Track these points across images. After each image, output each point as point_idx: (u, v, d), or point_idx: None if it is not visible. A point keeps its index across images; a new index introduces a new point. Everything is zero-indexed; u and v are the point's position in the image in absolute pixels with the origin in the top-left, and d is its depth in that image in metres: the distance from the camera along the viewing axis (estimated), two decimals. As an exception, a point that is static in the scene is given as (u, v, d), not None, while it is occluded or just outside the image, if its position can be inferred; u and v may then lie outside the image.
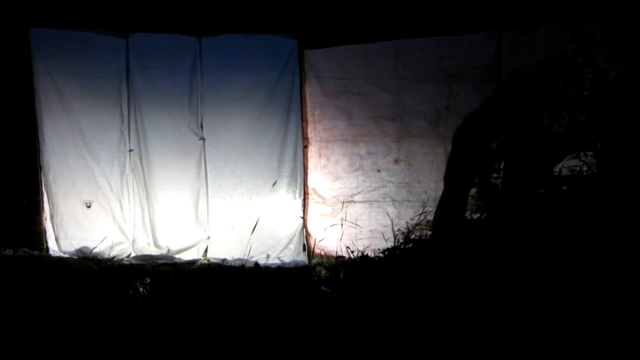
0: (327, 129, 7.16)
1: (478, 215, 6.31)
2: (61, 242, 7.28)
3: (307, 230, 7.25)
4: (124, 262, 7.10)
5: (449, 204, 6.84)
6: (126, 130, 7.18)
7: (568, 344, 3.75)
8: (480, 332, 3.97)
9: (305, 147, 7.18)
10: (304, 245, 7.23)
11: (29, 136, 7.11)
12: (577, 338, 3.75)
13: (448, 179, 6.91)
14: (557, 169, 5.92)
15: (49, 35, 7.01)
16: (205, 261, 7.24)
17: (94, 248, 7.11)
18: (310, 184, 7.22)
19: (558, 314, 3.98)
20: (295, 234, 7.25)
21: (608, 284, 4.10)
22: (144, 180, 7.22)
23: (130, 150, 7.19)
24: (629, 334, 3.69)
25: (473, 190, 6.50)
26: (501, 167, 6.54)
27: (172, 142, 7.18)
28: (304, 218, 7.22)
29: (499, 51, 6.70)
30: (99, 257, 7.00)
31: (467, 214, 6.50)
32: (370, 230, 7.05)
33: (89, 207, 7.18)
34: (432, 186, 6.98)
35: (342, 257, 6.56)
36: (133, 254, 7.32)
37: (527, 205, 5.75)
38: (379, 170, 7.08)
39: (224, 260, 7.18)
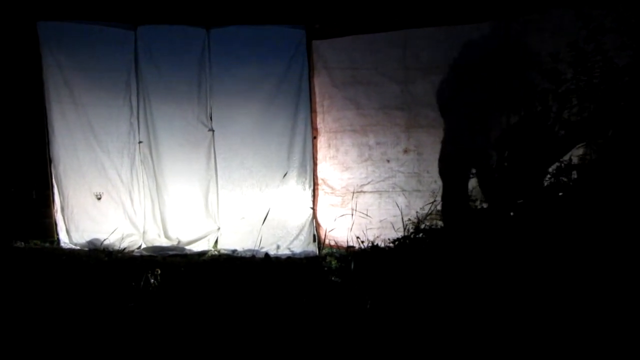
0: (336, 119, 7.16)
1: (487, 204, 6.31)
2: (72, 234, 7.33)
3: (317, 221, 7.26)
4: (134, 253, 7.14)
5: (454, 194, 6.82)
6: (135, 122, 7.21)
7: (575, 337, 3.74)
8: (488, 322, 3.97)
9: (315, 137, 7.18)
10: (314, 235, 7.25)
11: (38, 129, 7.15)
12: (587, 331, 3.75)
13: (450, 168, 6.90)
14: (566, 157, 5.91)
15: (57, 29, 7.04)
16: (216, 252, 7.27)
17: (105, 240, 7.15)
18: (319, 174, 7.23)
19: (565, 308, 3.97)
20: (305, 224, 7.26)
21: (617, 276, 4.09)
22: (154, 172, 7.24)
23: (139, 142, 7.21)
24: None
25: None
26: (508, 156, 6.52)
27: (181, 133, 7.20)
28: (313, 209, 7.23)
29: (507, 40, 6.67)
30: (110, 248, 7.03)
31: (478, 203, 6.49)
32: (380, 221, 7.05)
33: (99, 199, 7.21)
34: (441, 176, 6.98)
35: (353, 247, 6.57)
36: (143, 246, 7.36)
37: (536, 194, 5.75)
38: (388, 161, 7.08)
39: (234, 251, 7.20)
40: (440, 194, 6.90)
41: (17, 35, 7.04)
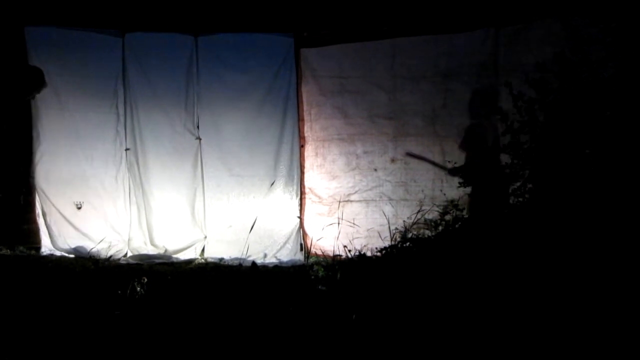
0: (324, 128, 7.17)
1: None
2: (56, 241, 7.25)
3: (304, 230, 7.26)
4: (121, 261, 7.09)
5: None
6: (122, 130, 7.17)
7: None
8: (475, 333, 3.97)
9: (302, 146, 7.19)
10: (301, 244, 7.25)
11: (25, 134, 7.09)
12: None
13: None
14: (553, 166, 5.93)
15: (45, 34, 7.00)
16: (203, 260, 7.24)
17: (92, 248, 7.11)
18: (307, 183, 7.23)
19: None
20: (292, 233, 7.26)
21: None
22: (140, 180, 7.21)
23: (126, 149, 7.18)
24: None
25: (469, 189, 6.51)
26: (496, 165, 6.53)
27: (168, 141, 7.19)
28: (300, 217, 7.23)
29: (495, 49, 6.71)
30: (96, 256, 6.98)
31: (465, 212, 6.50)
32: (368, 230, 7.06)
33: (79, 208, 7.17)
34: (428, 185, 6.98)
35: (340, 256, 6.55)
36: (130, 254, 7.31)
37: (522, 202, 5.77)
38: (375, 170, 7.09)
39: (221, 259, 7.18)
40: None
41: (4, 40, 7.01)
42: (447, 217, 6.45)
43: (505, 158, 5.99)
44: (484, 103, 6.73)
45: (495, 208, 6.41)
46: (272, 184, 7.13)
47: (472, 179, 6.84)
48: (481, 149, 6.89)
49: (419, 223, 6.74)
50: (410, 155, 7.04)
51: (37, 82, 6.47)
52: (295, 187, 7.20)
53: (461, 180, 6.35)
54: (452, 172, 6.97)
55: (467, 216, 6.48)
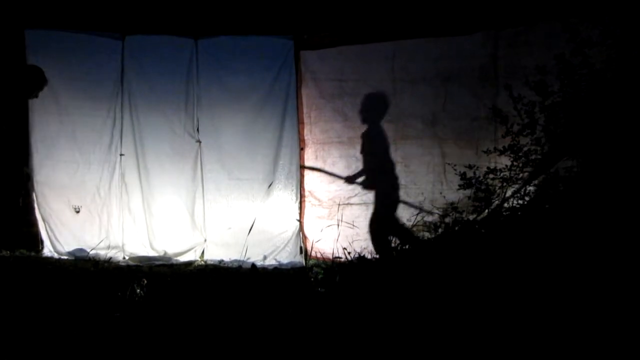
0: (324, 130, 7.17)
1: (475, 216, 6.31)
2: (56, 244, 7.24)
3: (303, 233, 7.26)
4: (120, 263, 7.09)
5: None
6: (118, 134, 7.17)
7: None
8: (476, 337, 3.96)
9: (302, 149, 7.18)
10: (300, 247, 7.24)
11: (23, 137, 7.09)
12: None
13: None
14: (553, 169, 5.92)
15: (44, 37, 7.00)
16: (202, 262, 7.24)
17: (91, 250, 7.11)
18: (306, 186, 7.23)
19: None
20: (291, 236, 7.25)
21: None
22: (140, 183, 7.20)
23: (121, 155, 7.18)
24: None
25: (469, 192, 6.50)
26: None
27: (167, 144, 7.18)
28: (300, 220, 7.22)
29: (495, 52, 6.71)
30: (96, 258, 6.98)
31: (464, 214, 6.49)
32: (367, 232, 7.05)
33: (77, 212, 7.16)
34: (428, 187, 6.98)
35: (339, 258, 6.55)
36: (127, 257, 7.30)
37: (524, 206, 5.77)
38: (375, 172, 7.10)
39: (221, 261, 7.18)
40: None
41: (4, 42, 7.01)
42: (447, 220, 6.45)
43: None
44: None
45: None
46: (272, 186, 7.13)
47: (369, 185, 6.98)
48: (376, 154, 7.03)
49: (418, 225, 6.75)
50: (304, 167, 7.23)
51: (38, 80, 6.48)
52: (295, 190, 7.20)
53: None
54: (348, 180, 7.12)
55: (467, 219, 6.48)
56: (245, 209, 7.21)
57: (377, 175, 7.08)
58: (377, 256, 6.14)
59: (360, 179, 7.10)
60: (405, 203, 7.02)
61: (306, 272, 6.45)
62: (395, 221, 7.01)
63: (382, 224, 7.01)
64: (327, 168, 7.14)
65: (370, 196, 7.08)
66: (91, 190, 7.18)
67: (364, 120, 7.03)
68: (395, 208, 7.02)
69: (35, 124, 7.08)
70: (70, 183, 7.16)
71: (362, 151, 7.08)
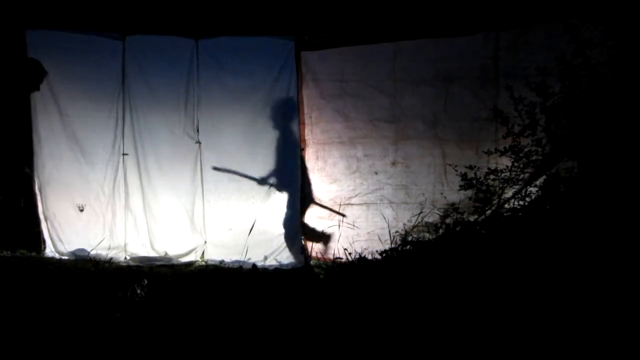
0: (324, 131, 7.16)
1: (475, 216, 6.31)
2: (57, 244, 7.24)
3: (304, 233, 7.24)
4: (121, 264, 7.09)
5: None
6: (121, 134, 7.15)
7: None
8: (477, 335, 3.96)
9: (303, 149, 7.18)
10: (301, 247, 7.23)
11: (25, 138, 7.09)
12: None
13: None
14: (553, 170, 5.93)
15: (45, 37, 6.98)
16: (203, 263, 7.24)
17: (92, 250, 7.11)
18: (307, 186, 7.22)
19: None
20: (292, 236, 7.24)
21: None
22: (141, 183, 7.19)
23: (124, 154, 7.17)
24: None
25: (470, 192, 6.49)
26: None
27: (167, 145, 7.16)
28: (301, 220, 7.22)
29: (496, 53, 6.71)
30: (97, 259, 6.99)
31: (465, 215, 6.49)
32: (368, 233, 7.05)
33: (81, 210, 7.16)
34: (429, 188, 6.98)
35: (340, 258, 6.56)
36: (128, 257, 7.30)
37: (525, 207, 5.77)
38: (376, 173, 7.08)
39: (221, 262, 7.17)
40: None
41: (5, 43, 7.01)
42: (448, 220, 6.45)
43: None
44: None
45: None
46: (273, 187, 7.13)
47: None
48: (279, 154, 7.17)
49: (419, 226, 6.75)
50: (216, 169, 7.25)
51: (37, 72, 6.49)
52: (295, 191, 7.19)
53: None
54: (260, 181, 7.20)
55: (467, 220, 6.48)
56: (246, 210, 7.21)
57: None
58: (378, 256, 6.12)
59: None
60: (406, 203, 7.02)
61: (307, 272, 6.45)
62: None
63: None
64: (327, 168, 7.13)
65: (371, 197, 7.08)
66: (95, 189, 7.17)
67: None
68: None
69: (37, 123, 7.06)
70: (73, 182, 7.15)
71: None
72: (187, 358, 4.05)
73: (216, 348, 4.15)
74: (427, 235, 6.68)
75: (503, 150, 6.07)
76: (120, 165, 7.19)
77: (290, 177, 7.17)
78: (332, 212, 7.15)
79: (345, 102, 7.07)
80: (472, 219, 6.34)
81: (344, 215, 7.11)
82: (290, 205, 7.19)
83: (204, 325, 4.52)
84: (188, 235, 7.32)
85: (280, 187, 7.18)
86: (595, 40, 5.60)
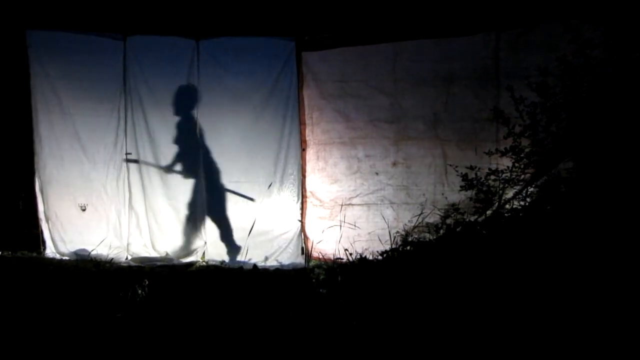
0: (325, 131, 7.16)
1: (476, 217, 6.31)
2: (58, 244, 7.24)
3: (305, 233, 7.24)
4: (122, 264, 7.09)
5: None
6: (123, 134, 7.16)
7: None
8: (477, 335, 3.96)
9: (303, 150, 7.17)
10: (302, 247, 7.22)
11: (26, 138, 7.09)
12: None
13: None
14: (554, 170, 5.93)
15: (46, 37, 6.99)
16: (204, 263, 7.22)
17: (92, 250, 7.11)
18: (308, 187, 7.21)
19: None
20: (293, 236, 7.23)
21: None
22: (142, 183, 7.20)
23: (127, 154, 7.17)
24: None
25: (471, 193, 6.49)
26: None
27: (168, 145, 7.18)
28: (302, 221, 7.21)
29: (496, 53, 6.71)
30: (98, 259, 6.98)
31: (466, 215, 6.49)
32: (369, 233, 7.04)
33: (84, 210, 7.16)
34: (430, 189, 6.97)
35: (340, 259, 6.56)
36: (130, 257, 7.30)
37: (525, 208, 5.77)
38: (377, 173, 7.08)
39: (222, 262, 7.17)
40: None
41: (5, 43, 7.01)
42: (449, 221, 6.45)
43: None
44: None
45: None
46: (273, 187, 7.13)
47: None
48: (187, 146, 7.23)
49: (420, 226, 6.75)
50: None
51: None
52: (296, 191, 7.19)
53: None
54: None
55: (468, 220, 6.48)
56: (247, 210, 7.21)
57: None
58: (379, 257, 6.12)
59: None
60: (407, 204, 7.02)
61: (307, 273, 6.45)
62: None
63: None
64: (328, 169, 7.13)
65: (371, 197, 7.07)
66: (97, 188, 7.17)
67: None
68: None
69: (38, 123, 7.05)
70: (75, 181, 7.14)
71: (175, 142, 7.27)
72: (188, 358, 4.05)
73: (217, 348, 4.15)
74: (427, 235, 6.68)
75: (504, 150, 6.07)
76: (123, 164, 7.20)
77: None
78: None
79: (345, 102, 7.06)
80: (472, 219, 6.34)
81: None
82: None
83: (204, 326, 4.52)
84: (189, 235, 7.33)
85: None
86: (596, 41, 5.60)
